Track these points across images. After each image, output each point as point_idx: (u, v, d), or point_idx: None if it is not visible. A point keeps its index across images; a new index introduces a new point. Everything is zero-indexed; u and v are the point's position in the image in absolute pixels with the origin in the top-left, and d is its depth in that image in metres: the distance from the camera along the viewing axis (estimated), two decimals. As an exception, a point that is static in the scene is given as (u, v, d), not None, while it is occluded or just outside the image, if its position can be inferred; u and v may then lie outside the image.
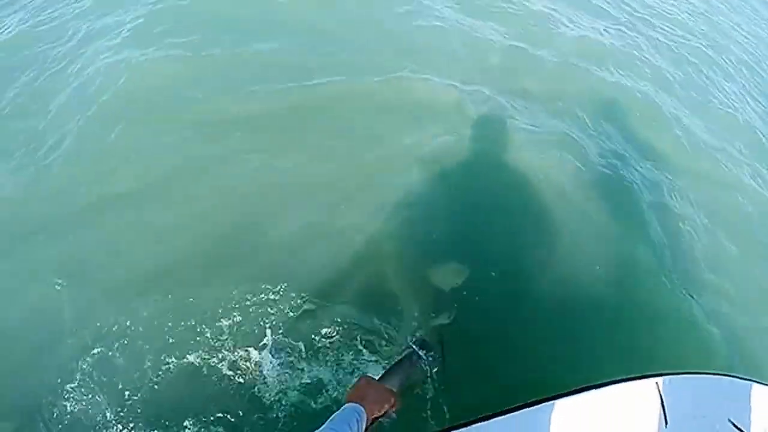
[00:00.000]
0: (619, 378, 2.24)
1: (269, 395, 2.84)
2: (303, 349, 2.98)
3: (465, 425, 1.97)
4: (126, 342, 2.97)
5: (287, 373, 2.88)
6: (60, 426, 2.68)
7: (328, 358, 2.99)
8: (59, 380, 2.81)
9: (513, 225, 3.85)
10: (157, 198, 3.67)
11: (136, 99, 4.35)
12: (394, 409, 1.81)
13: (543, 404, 2.08)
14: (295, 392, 2.84)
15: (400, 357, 2.70)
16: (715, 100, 6.51)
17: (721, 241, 4.40)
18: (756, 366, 3.47)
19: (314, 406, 2.78)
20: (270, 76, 4.63)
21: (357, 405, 1.51)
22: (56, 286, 3.18)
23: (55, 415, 2.70)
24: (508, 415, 2.00)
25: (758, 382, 2.45)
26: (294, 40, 5.05)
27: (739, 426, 2.32)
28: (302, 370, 2.92)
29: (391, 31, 5.58)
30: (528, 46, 5.90)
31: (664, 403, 2.22)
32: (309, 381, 2.86)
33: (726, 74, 7.36)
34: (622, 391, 2.21)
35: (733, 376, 2.49)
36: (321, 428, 1.38)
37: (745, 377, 2.51)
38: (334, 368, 2.93)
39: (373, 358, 2.96)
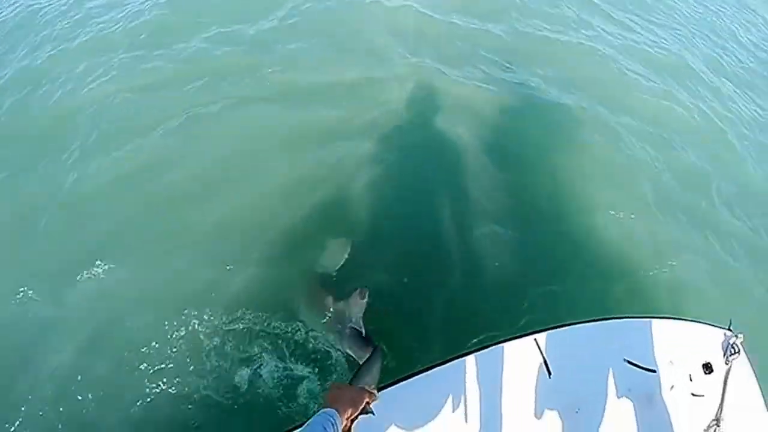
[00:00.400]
0: (502, 339, 2.20)
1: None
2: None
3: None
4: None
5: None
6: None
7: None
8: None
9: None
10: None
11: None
12: (371, 405, 1.80)
13: (431, 370, 2.10)
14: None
15: (368, 356, 2.66)
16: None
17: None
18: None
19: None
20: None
21: (331, 410, 1.55)
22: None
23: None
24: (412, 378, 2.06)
25: (653, 317, 2.39)
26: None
27: (636, 363, 2.22)
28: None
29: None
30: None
31: (546, 357, 2.16)
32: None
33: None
34: (505, 351, 2.18)
35: (628, 317, 2.42)
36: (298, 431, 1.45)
37: (640, 315, 2.44)
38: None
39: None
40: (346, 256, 3.11)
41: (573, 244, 3.50)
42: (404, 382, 2.11)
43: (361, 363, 2.38)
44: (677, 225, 3.94)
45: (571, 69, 5.49)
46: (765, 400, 2.37)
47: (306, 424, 1.50)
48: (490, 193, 3.70)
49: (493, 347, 2.22)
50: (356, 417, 1.76)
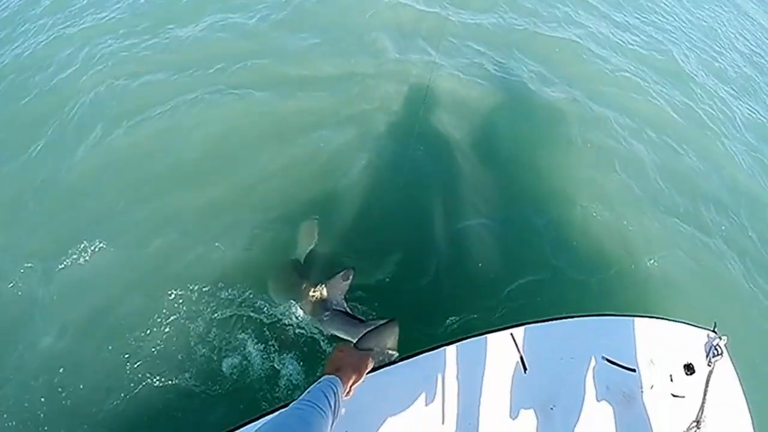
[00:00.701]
0: (478, 332, 2.16)
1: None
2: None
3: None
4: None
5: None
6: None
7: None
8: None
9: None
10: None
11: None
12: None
13: (405, 361, 2.06)
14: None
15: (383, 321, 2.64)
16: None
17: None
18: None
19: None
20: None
21: (332, 376, 1.48)
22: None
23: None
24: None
25: (635, 315, 2.34)
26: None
27: (615, 361, 2.17)
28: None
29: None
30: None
31: (522, 352, 2.11)
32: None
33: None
34: (480, 344, 2.13)
35: (608, 315, 2.38)
36: (297, 399, 1.34)
37: (621, 313, 2.40)
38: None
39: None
40: (316, 238, 3.06)
41: (558, 237, 3.46)
42: (378, 371, 2.06)
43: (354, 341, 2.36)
44: (663, 222, 3.90)
45: (562, 65, 5.47)
46: (748, 404, 2.31)
47: (306, 392, 1.43)
48: (474, 184, 3.67)
49: (469, 340, 2.18)
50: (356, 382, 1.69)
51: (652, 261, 3.40)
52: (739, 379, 2.35)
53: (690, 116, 5.36)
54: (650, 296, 3.11)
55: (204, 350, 2.88)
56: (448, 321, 2.73)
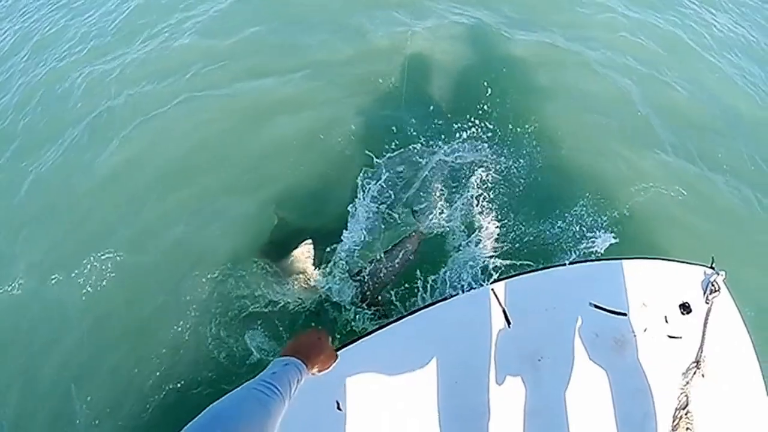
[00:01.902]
0: (457, 291, 2.09)
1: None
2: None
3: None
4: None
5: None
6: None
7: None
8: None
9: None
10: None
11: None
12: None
13: (389, 326, 2.04)
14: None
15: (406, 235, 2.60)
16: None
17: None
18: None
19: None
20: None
21: (300, 363, 1.33)
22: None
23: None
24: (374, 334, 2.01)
25: (624, 258, 2.23)
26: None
27: (604, 307, 2.08)
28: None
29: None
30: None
31: (505, 307, 2.03)
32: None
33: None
34: (462, 303, 2.07)
35: (595, 260, 2.28)
36: (261, 376, 1.23)
37: (609, 257, 2.29)
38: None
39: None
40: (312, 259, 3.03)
41: (544, 183, 3.32)
42: (363, 339, 2.02)
43: None
44: (653, 157, 3.68)
45: (537, 11, 5.22)
46: (752, 339, 2.19)
47: (272, 370, 1.28)
48: (462, 141, 3.54)
49: (450, 300, 2.11)
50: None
51: (643, 198, 3.23)
52: (741, 315, 2.23)
53: (684, 45, 5.07)
54: (643, 235, 2.97)
55: (217, 345, 2.85)
56: (430, 280, 2.66)
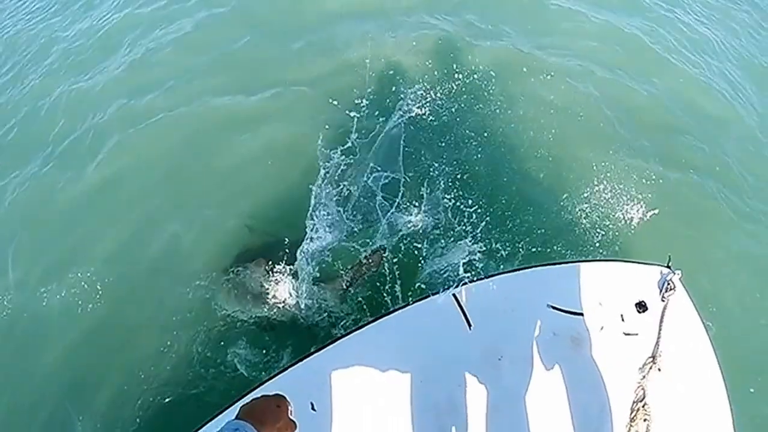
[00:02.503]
0: (417, 298, 2.26)
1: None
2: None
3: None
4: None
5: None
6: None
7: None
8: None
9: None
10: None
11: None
12: None
13: (361, 329, 2.21)
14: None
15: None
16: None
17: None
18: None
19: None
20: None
21: (251, 428, 1.21)
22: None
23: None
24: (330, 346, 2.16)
25: (581, 261, 2.38)
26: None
27: (560, 308, 2.22)
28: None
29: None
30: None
31: (465, 310, 2.19)
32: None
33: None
34: (423, 310, 2.22)
35: (552, 264, 2.43)
36: None
37: (566, 261, 2.44)
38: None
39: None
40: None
41: (509, 188, 3.48)
42: (334, 344, 2.18)
43: None
44: (614, 159, 3.81)
45: (502, 16, 5.44)
46: (708, 333, 2.30)
47: None
48: (427, 145, 3.74)
49: (413, 306, 2.27)
50: None
51: (602, 200, 3.36)
52: (697, 311, 2.34)
53: (641, 47, 5.22)
54: (603, 239, 3.10)
55: (200, 359, 3.06)
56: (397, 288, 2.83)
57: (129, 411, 2.91)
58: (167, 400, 2.94)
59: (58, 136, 4.60)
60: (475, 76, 4.53)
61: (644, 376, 2.17)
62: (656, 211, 3.30)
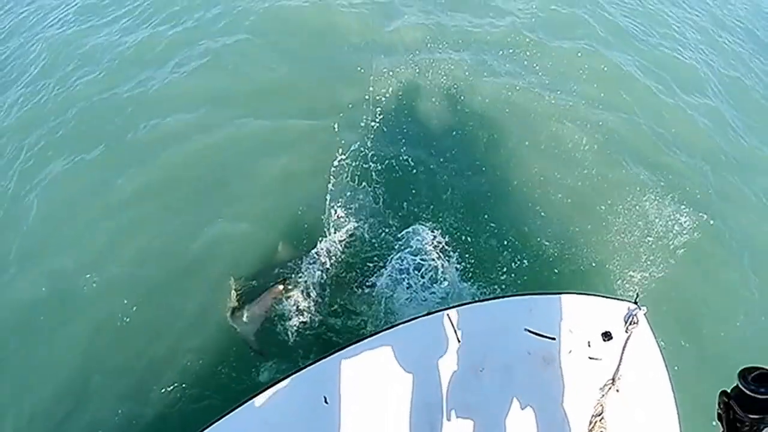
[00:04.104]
0: (416, 315, 2.73)
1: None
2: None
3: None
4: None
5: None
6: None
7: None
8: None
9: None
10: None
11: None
12: None
13: (343, 350, 2.62)
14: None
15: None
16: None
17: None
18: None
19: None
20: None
21: None
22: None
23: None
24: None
25: (560, 293, 2.82)
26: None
27: (536, 332, 2.66)
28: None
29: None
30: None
31: (455, 328, 2.66)
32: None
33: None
34: (420, 325, 2.70)
35: (534, 294, 2.87)
36: None
37: (547, 291, 2.88)
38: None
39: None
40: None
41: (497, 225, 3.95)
42: (334, 354, 2.65)
43: None
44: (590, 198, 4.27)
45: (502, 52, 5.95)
46: (665, 363, 2.68)
47: None
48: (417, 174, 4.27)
49: (413, 321, 2.74)
50: None
51: (583, 239, 3.79)
52: (657, 343, 2.74)
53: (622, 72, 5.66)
54: (579, 273, 3.51)
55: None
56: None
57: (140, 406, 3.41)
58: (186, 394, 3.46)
59: (94, 142, 5.22)
60: (479, 109, 5.04)
61: (603, 395, 2.57)
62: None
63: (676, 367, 2.68)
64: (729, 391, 1.04)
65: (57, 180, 4.90)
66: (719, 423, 1.09)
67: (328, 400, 2.54)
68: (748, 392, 0.99)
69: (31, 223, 4.48)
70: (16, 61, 6.65)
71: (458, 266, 3.47)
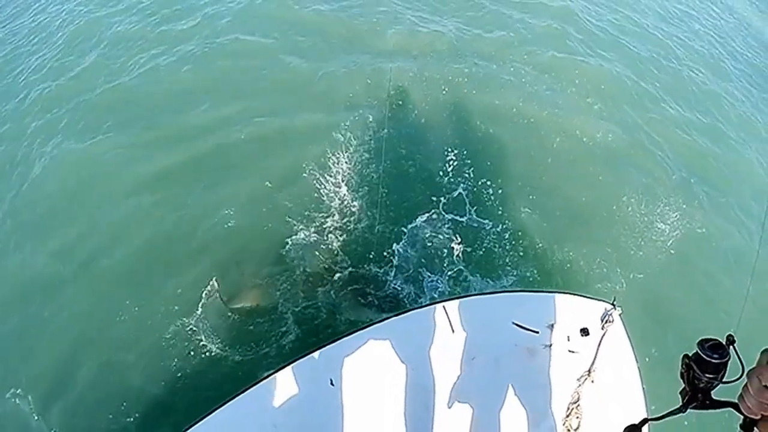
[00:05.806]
0: (416, 306, 2.96)
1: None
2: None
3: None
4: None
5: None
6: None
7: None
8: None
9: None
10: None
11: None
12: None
13: (346, 337, 2.84)
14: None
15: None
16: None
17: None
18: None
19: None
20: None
21: None
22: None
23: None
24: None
25: (545, 291, 3.09)
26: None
27: (522, 325, 2.93)
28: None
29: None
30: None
31: (450, 320, 2.91)
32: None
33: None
34: (419, 315, 2.93)
35: (523, 291, 3.14)
36: None
37: (534, 289, 3.16)
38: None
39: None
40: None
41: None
42: (343, 339, 2.88)
43: None
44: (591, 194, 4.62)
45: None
46: (636, 357, 2.98)
47: None
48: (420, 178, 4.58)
49: (412, 312, 2.98)
50: None
51: (567, 247, 4.13)
52: (630, 340, 3.03)
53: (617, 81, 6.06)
54: (564, 273, 3.84)
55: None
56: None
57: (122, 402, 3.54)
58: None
59: (105, 129, 5.39)
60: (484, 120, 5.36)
61: (580, 385, 2.86)
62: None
63: (646, 359, 2.98)
64: (690, 355, 1.33)
65: (56, 167, 5.02)
66: (681, 380, 1.38)
67: (333, 383, 2.76)
68: (704, 357, 1.27)
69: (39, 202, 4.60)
70: (39, 42, 6.82)
71: (456, 261, 3.74)
